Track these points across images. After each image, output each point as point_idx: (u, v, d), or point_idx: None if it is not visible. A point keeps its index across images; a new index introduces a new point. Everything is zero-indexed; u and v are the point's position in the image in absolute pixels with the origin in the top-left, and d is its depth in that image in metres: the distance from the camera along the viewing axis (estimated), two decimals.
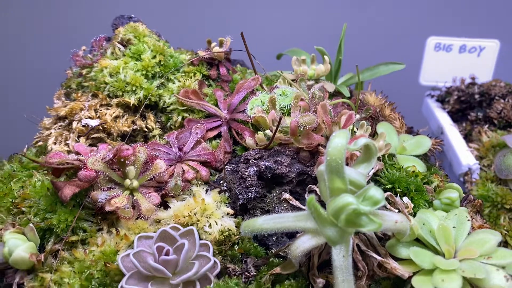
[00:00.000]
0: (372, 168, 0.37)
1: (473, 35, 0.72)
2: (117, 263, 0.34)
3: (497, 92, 0.67)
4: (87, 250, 0.36)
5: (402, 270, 0.34)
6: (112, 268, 0.34)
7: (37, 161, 0.38)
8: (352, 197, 0.30)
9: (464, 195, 0.45)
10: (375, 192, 0.31)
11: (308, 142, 0.39)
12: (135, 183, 0.38)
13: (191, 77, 0.48)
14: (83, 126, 0.43)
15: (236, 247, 0.37)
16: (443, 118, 0.67)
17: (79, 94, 0.46)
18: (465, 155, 0.59)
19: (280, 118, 0.38)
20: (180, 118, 0.45)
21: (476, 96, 0.67)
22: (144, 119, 0.46)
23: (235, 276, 0.35)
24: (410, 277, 0.34)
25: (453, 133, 0.64)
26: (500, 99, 0.66)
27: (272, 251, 0.38)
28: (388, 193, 0.37)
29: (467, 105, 0.67)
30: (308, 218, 0.34)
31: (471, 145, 0.61)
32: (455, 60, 0.72)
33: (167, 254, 0.34)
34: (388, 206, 0.37)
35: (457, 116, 0.68)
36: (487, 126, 0.64)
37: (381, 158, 0.42)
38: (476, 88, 0.68)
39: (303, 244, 0.34)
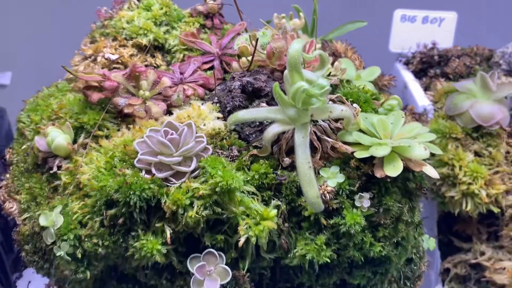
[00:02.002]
0: (325, 70, 0.47)
1: (434, 8, 0.84)
2: (133, 147, 0.45)
3: (453, 54, 0.78)
4: (110, 140, 0.48)
5: (349, 149, 0.45)
6: (129, 150, 0.46)
7: (72, 73, 0.49)
8: (305, 83, 0.42)
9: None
10: (323, 81, 0.42)
11: (280, 63, 0.50)
12: (147, 93, 0.50)
13: (190, 26, 0.60)
14: (105, 59, 0.55)
15: (224, 141, 0.48)
16: (407, 76, 0.78)
17: (102, 39, 0.58)
18: (421, 99, 0.71)
19: (257, 40, 0.49)
20: (182, 55, 0.57)
21: (436, 57, 0.78)
22: (153, 57, 0.58)
23: (223, 156, 0.46)
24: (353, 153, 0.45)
25: (413, 85, 0.75)
26: (455, 59, 0.77)
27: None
28: (338, 95, 0.48)
29: (428, 65, 0.79)
30: (278, 111, 0.46)
31: (428, 92, 0.73)
32: (419, 30, 0.83)
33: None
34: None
35: (419, 75, 0.79)
36: (443, 80, 0.75)
37: (339, 82, 0.54)
38: (436, 51, 0.79)
39: (273, 130, 0.45)
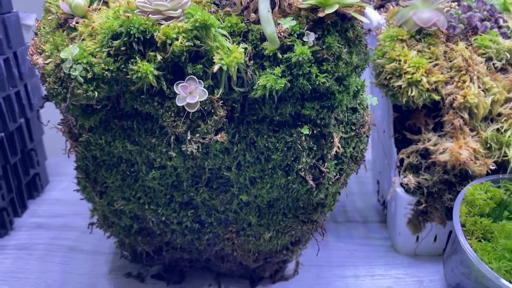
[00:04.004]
0: None
1: None
2: (135, 3, 0.59)
3: None
4: (117, 2, 0.61)
5: (300, 0, 0.59)
6: (132, 5, 0.59)
7: None
8: None
9: None
10: None
11: None
12: None
13: None
14: None
15: (205, 6, 0.62)
16: (370, 11, 0.92)
17: None
18: (376, 16, 0.85)
19: None
20: None
21: None
22: None
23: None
24: None
25: (373, 13, 0.89)
26: None
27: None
28: None
29: (386, 0, 0.93)
30: None
31: (382, 14, 0.87)
32: None
33: None
34: None
35: (379, 9, 0.93)
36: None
37: None
38: None
39: None
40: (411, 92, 0.75)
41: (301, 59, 0.56)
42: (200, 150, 0.60)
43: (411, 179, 0.79)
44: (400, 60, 0.76)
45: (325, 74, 0.58)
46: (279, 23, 0.58)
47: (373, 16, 0.86)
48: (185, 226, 0.69)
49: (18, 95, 0.97)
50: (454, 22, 0.80)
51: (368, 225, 0.97)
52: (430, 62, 0.76)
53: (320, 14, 0.57)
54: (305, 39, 0.57)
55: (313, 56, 0.57)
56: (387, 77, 0.77)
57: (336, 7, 0.56)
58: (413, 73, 0.75)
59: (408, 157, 0.81)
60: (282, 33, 0.57)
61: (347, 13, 0.59)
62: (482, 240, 0.68)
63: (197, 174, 0.65)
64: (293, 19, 0.58)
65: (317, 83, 0.58)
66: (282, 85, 0.57)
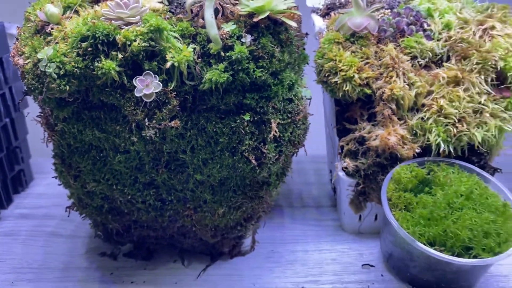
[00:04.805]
0: None
1: None
2: (101, 12, 0.70)
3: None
4: (86, 12, 0.72)
5: (240, 10, 0.70)
6: (99, 14, 0.70)
7: None
8: None
9: None
10: None
11: None
12: None
13: None
14: None
15: (161, 14, 0.73)
16: (315, 17, 1.04)
17: None
18: (318, 22, 0.97)
19: None
20: None
21: (337, 3, 1.05)
22: None
23: None
24: None
25: (317, 20, 1.01)
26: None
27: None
28: None
29: (331, 9, 1.05)
30: None
31: (325, 20, 0.99)
32: None
33: None
34: None
35: (325, 17, 1.05)
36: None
37: None
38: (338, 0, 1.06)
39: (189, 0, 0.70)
40: (346, 87, 0.87)
41: (240, 56, 0.68)
42: (158, 135, 0.71)
43: (349, 163, 0.90)
44: (336, 60, 0.88)
45: (261, 69, 0.69)
46: (222, 27, 0.70)
47: (317, 23, 0.98)
48: (149, 204, 0.79)
49: (3, 96, 1.07)
50: (385, 26, 0.92)
51: (321, 209, 1.08)
52: (361, 61, 0.88)
53: (255, 19, 0.68)
54: (243, 40, 0.69)
55: (250, 54, 0.69)
56: (326, 75, 0.89)
57: (267, 14, 0.68)
58: (347, 71, 0.86)
59: (348, 144, 0.92)
60: (224, 35, 0.69)
61: (278, 18, 0.70)
62: (404, 211, 0.79)
63: (157, 157, 0.75)
64: (233, 24, 0.70)
65: (254, 77, 0.69)
66: (225, 79, 0.68)
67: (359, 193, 0.92)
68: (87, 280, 0.87)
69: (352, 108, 0.92)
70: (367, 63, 0.88)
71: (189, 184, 0.77)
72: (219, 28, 0.69)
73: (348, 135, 0.93)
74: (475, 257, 0.73)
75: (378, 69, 0.88)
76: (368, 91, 0.87)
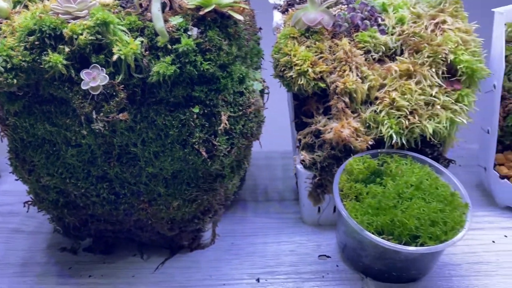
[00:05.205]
0: None
1: None
2: (49, 7, 0.71)
3: None
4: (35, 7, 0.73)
5: (188, 3, 0.71)
6: (47, 8, 0.71)
7: None
8: None
9: None
10: None
11: None
12: None
13: None
14: None
15: (111, 9, 0.74)
16: (275, 13, 1.05)
17: None
18: (277, 17, 0.98)
19: None
20: None
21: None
22: None
23: None
24: None
25: (276, 16, 1.02)
26: None
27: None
28: None
29: (291, 5, 1.07)
30: None
31: (283, 16, 1.00)
32: None
33: None
34: None
35: (285, 13, 1.07)
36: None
37: None
38: None
39: None
40: (301, 81, 0.88)
41: (186, 49, 0.69)
42: (107, 128, 0.71)
43: (306, 156, 0.91)
44: (291, 55, 0.89)
45: (209, 62, 0.70)
46: (169, 20, 0.71)
47: (275, 18, 0.99)
48: (103, 197, 0.80)
49: None
50: (341, 21, 0.93)
51: (284, 203, 1.09)
52: (316, 56, 0.89)
53: (201, 13, 0.70)
54: (189, 33, 0.70)
55: (197, 47, 0.70)
56: (282, 69, 0.90)
57: (212, 7, 0.69)
58: (301, 65, 0.88)
59: (305, 137, 0.93)
60: (170, 28, 0.70)
61: (225, 12, 0.71)
62: (355, 201, 0.81)
63: (108, 151, 0.76)
64: (181, 17, 0.71)
65: (202, 69, 0.70)
66: (172, 71, 0.69)
67: (316, 185, 0.94)
68: (45, 275, 0.88)
69: (309, 102, 0.94)
70: (321, 57, 0.89)
71: (142, 177, 0.78)
72: (166, 21, 0.70)
73: (305, 129, 0.94)
74: (422, 245, 0.74)
75: (332, 63, 0.90)
76: (323, 85, 0.89)
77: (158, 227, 0.86)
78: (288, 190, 1.15)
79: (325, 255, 0.91)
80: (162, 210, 0.82)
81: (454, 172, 1.21)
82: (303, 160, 0.93)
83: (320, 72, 0.88)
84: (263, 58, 0.87)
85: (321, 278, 0.84)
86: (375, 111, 0.89)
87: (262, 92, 0.93)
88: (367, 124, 0.88)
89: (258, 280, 0.84)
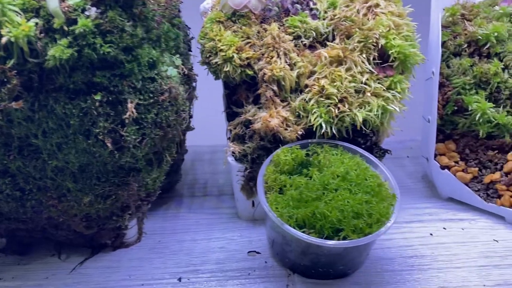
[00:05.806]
0: None
1: None
2: None
3: None
4: None
5: None
6: None
7: None
8: None
9: None
10: None
11: None
12: None
13: None
14: None
15: None
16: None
17: None
18: (205, 1, 0.93)
19: None
20: None
21: None
22: None
23: None
24: None
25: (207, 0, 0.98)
26: None
27: None
28: None
29: None
30: None
31: (212, 0, 0.95)
32: None
33: None
34: None
35: None
36: None
37: None
38: None
39: None
40: (227, 68, 0.83)
41: (83, 30, 0.63)
42: (1, 118, 0.65)
43: (235, 147, 0.87)
44: (216, 40, 0.84)
45: (110, 45, 0.65)
46: (66, 0, 0.65)
47: (204, 3, 0.94)
48: (7, 194, 0.74)
49: None
50: (271, 5, 0.89)
51: (222, 197, 1.05)
52: (242, 41, 0.84)
53: None
54: (87, 13, 0.64)
55: (96, 28, 0.64)
56: (207, 56, 0.85)
57: None
58: (226, 51, 0.83)
59: (235, 128, 0.89)
60: (66, 8, 0.64)
61: None
62: (278, 193, 0.76)
63: (7, 143, 0.70)
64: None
65: (102, 52, 0.64)
66: (69, 55, 0.63)
67: (248, 178, 0.89)
68: None
69: (239, 91, 0.89)
70: (248, 43, 0.85)
71: (47, 172, 0.72)
72: (63, 1, 0.65)
73: (236, 119, 0.89)
74: (344, 238, 0.70)
75: (260, 49, 0.85)
76: (250, 72, 0.84)
77: (72, 225, 0.80)
78: (228, 184, 1.10)
79: (255, 251, 0.86)
80: (73, 207, 0.76)
81: (402, 163, 1.19)
82: (233, 152, 0.88)
83: (247, 58, 0.84)
84: (188, 44, 0.82)
85: (247, 276, 0.80)
86: (305, 99, 0.84)
87: (189, 80, 0.88)
88: (297, 113, 0.84)
89: (179, 279, 0.79)
